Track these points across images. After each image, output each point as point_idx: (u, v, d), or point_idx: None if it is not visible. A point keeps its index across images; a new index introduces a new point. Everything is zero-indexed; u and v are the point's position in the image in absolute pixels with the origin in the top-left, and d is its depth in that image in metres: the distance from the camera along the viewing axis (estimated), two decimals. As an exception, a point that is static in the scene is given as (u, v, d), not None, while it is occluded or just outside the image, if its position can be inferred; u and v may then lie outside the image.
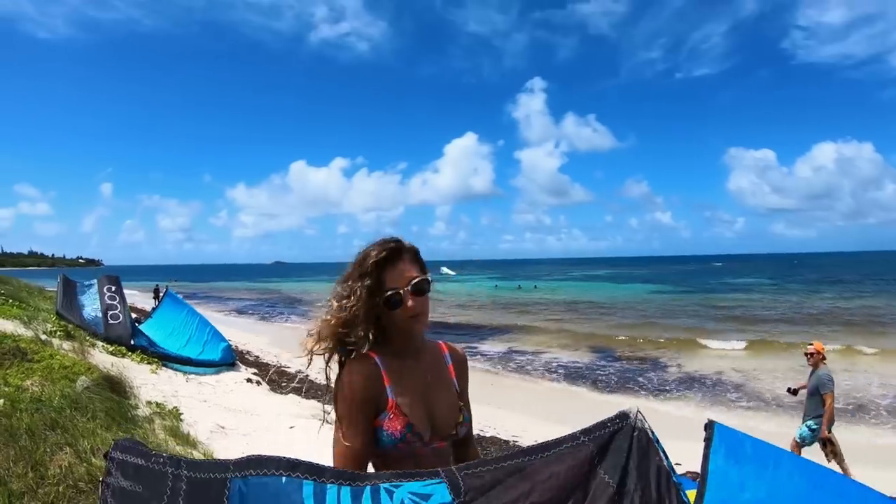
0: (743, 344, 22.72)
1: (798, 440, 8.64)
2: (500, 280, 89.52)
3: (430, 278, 2.05)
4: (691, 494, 3.16)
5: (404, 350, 2.05)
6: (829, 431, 8.30)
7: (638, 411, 1.75)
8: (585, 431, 1.70)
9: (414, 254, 2.07)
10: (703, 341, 23.84)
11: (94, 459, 4.08)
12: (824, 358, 8.74)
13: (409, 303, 1.94)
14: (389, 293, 1.94)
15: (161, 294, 22.95)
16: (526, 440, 10.05)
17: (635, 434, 1.71)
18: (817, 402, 8.52)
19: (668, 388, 16.23)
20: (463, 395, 2.20)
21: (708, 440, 2.08)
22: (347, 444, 1.88)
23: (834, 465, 8.01)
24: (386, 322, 2.01)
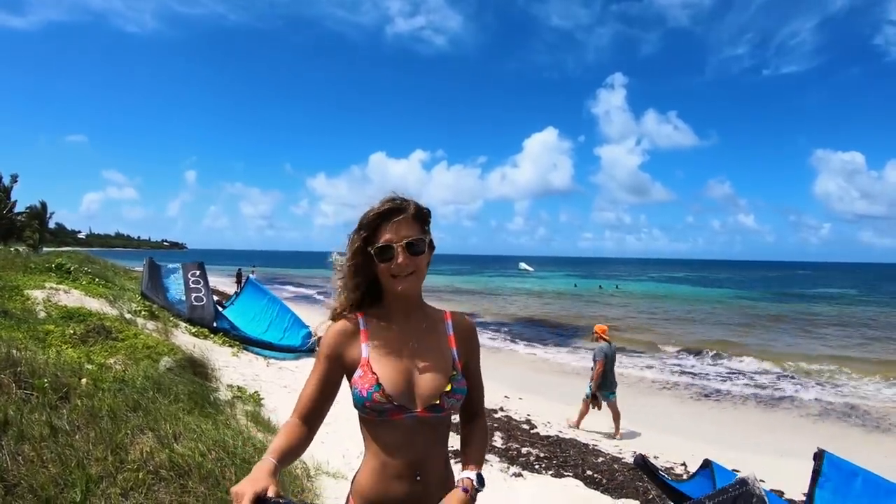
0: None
1: (585, 397, 10.82)
2: (578, 278, 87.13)
3: (432, 242, 2.05)
4: None
5: (393, 312, 2.04)
6: (599, 390, 10.52)
7: (755, 477, 1.76)
8: (711, 497, 1.74)
9: (420, 215, 2.02)
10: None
11: (175, 446, 3.94)
12: (602, 337, 10.92)
13: (400, 258, 1.91)
14: (381, 244, 1.92)
15: (243, 278, 23.36)
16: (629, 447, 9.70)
17: (754, 501, 1.70)
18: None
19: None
20: (467, 368, 2.10)
21: (816, 471, 2.09)
22: (303, 390, 1.96)
23: (601, 416, 10.73)
24: (382, 282, 2.00)
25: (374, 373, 1.89)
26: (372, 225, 1.94)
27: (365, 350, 1.93)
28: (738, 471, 7.51)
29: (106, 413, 4.12)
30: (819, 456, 2.09)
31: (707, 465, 3.49)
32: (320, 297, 40.38)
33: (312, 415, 1.95)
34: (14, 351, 4.62)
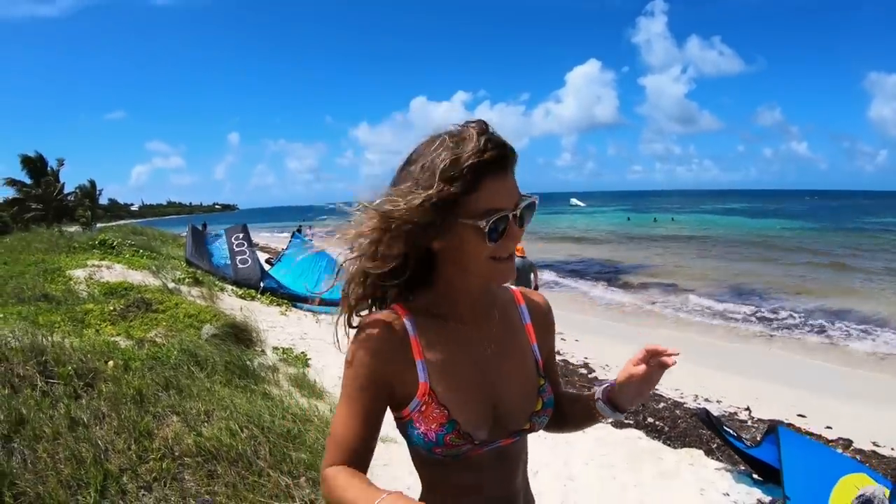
0: None
1: None
2: (631, 212, 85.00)
3: (535, 201, 1.36)
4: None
5: (456, 309, 1.41)
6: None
7: (882, 496, 1.49)
8: None
9: (515, 163, 1.34)
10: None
11: (203, 428, 3.73)
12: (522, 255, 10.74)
13: (514, 236, 1.30)
14: (496, 214, 1.25)
15: (309, 234, 23.38)
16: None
17: None
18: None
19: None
20: (547, 363, 1.56)
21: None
22: (337, 428, 1.34)
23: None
24: (441, 262, 1.37)
25: (441, 405, 1.34)
26: (469, 177, 1.24)
27: (422, 371, 1.34)
28: (808, 433, 7.24)
29: (131, 397, 3.94)
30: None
31: (773, 430, 3.16)
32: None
33: (360, 459, 1.35)
34: (42, 338, 4.48)
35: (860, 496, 1.30)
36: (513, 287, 1.57)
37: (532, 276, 11.07)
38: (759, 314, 16.35)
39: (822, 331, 14.15)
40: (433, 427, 1.31)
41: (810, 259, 29.13)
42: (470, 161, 1.22)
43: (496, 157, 1.25)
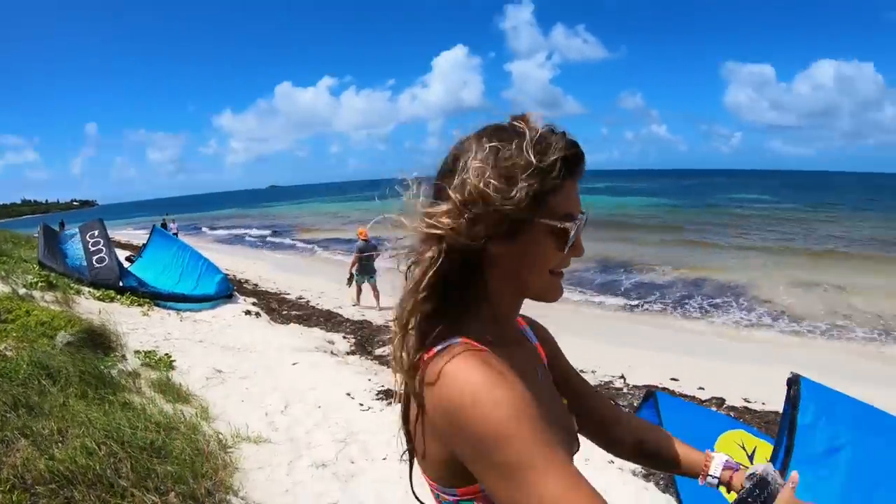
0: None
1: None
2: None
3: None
4: (761, 444, 2.74)
5: (505, 333, 1.22)
6: (358, 274, 14.11)
7: (774, 473, 1.38)
8: None
9: None
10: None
11: (56, 451, 3.47)
12: (362, 238, 14.18)
13: (582, 247, 1.16)
14: (567, 222, 1.10)
15: (170, 230, 22.41)
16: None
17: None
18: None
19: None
20: (571, 379, 1.49)
21: (795, 398, 1.89)
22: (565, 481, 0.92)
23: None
24: (492, 274, 1.14)
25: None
26: (559, 173, 1.07)
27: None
28: (683, 395, 7.60)
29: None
30: (795, 381, 1.91)
31: (651, 395, 3.25)
32: (249, 240, 39.48)
33: None
34: None
35: (751, 475, 1.31)
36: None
37: (375, 256, 12.57)
38: (622, 287, 17.08)
39: (684, 301, 14.96)
40: None
41: (667, 234, 30.77)
42: (561, 154, 1.07)
43: (580, 156, 1.12)
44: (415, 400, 1.11)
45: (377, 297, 13.98)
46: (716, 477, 1.44)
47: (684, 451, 1.52)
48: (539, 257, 1.11)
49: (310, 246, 31.50)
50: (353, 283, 14.14)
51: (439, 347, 1.07)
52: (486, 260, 1.12)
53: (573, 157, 1.09)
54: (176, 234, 22.20)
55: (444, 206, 1.06)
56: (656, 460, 1.55)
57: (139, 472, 3.50)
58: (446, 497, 1.12)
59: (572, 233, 1.10)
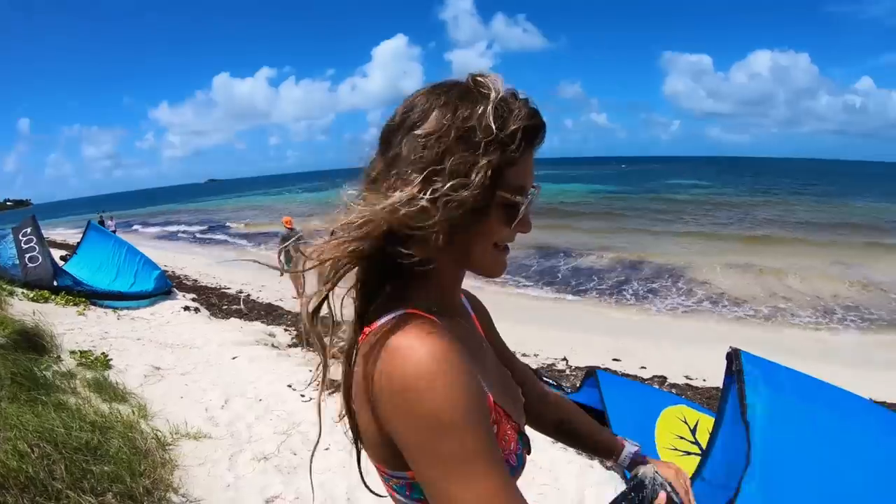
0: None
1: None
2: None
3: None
4: (702, 417, 2.84)
5: (452, 303, 1.20)
6: (282, 264, 14.72)
7: (652, 475, 1.41)
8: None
9: None
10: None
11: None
12: (287, 227, 13.63)
13: (529, 221, 1.10)
14: (519, 196, 1.04)
15: (107, 226, 21.80)
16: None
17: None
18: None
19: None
20: (504, 357, 1.43)
21: (738, 371, 1.92)
22: (498, 489, 0.90)
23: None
24: (435, 246, 1.02)
25: (509, 417, 1.13)
26: (518, 144, 1.01)
27: (484, 382, 1.06)
28: (625, 374, 7.76)
29: None
30: (735, 355, 1.92)
31: (591, 374, 3.32)
32: (186, 236, 38.74)
33: None
34: None
35: (633, 477, 1.36)
36: None
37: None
38: (561, 273, 17.33)
39: (623, 287, 15.30)
40: (511, 447, 1.10)
41: (606, 221, 31.31)
42: (523, 123, 1.01)
43: (541, 126, 1.05)
44: (355, 378, 1.05)
45: (302, 285, 13.97)
46: (622, 465, 1.50)
47: (601, 436, 1.56)
48: (486, 230, 1.04)
49: (248, 240, 31.19)
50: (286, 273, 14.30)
51: (383, 320, 1.02)
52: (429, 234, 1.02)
53: (534, 127, 1.04)
54: (114, 233, 21.74)
55: (400, 193, 0.97)
56: (574, 439, 1.60)
57: (74, 473, 3.44)
58: (397, 481, 1.06)
59: (522, 207, 1.05)
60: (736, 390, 1.87)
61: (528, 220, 1.09)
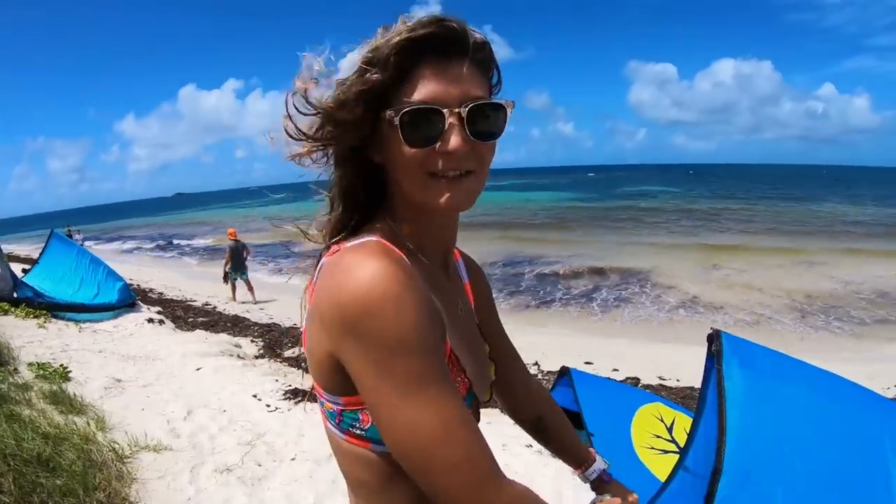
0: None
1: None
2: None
3: (507, 107, 1.05)
4: (679, 416, 2.78)
5: (428, 249, 1.14)
6: (230, 272, 15.68)
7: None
8: None
9: (485, 59, 1.05)
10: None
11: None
12: (231, 238, 15.68)
13: (453, 139, 0.97)
14: (417, 104, 0.96)
15: (76, 239, 21.40)
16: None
17: None
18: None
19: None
20: (496, 333, 1.45)
21: (718, 352, 1.89)
22: (455, 429, 0.89)
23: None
24: (388, 182, 1.09)
25: (462, 372, 1.08)
26: (397, 62, 0.96)
27: (448, 327, 1.05)
28: (599, 374, 7.74)
29: None
30: (716, 336, 1.95)
31: (565, 372, 3.24)
32: (157, 249, 38.31)
33: None
34: None
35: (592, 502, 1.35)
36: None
37: (245, 254, 15.59)
38: (527, 281, 17.39)
39: (593, 294, 15.33)
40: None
41: (572, 228, 31.55)
42: (397, 39, 0.95)
43: (431, 35, 0.96)
44: (309, 292, 1.07)
45: (251, 291, 15.81)
46: (588, 479, 1.48)
47: (575, 443, 1.53)
48: (397, 158, 1.01)
49: (214, 252, 30.97)
50: (229, 280, 15.78)
51: (351, 243, 1.03)
52: (380, 169, 1.09)
53: (423, 37, 0.96)
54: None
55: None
56: (547, 439, 1.55)
57: (23, 486, 3.29)
58: (331, 406, 1.04)
59: (397, 121, 0.97)
60: (715, 372, 1.84)
61: (447, 139, 0.98)
